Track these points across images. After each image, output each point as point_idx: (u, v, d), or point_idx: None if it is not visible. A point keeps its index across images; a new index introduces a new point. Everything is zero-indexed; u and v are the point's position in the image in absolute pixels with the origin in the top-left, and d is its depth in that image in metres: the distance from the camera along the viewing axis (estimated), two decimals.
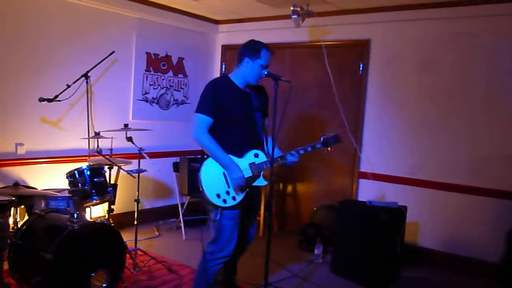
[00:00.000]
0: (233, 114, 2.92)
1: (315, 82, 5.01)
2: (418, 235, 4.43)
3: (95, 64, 4.24)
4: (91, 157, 4.18)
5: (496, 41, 4.02)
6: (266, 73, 2.92)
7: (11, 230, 3.21)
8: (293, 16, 4.15)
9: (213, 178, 2.86)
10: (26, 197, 3.49)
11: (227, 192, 2.87)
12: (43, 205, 3.54)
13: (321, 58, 4.34)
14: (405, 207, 3.98)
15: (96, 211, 4.46)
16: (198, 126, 2.86)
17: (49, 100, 3.86)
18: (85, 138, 4.14)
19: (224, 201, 2.85)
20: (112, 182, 4.01)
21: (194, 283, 3.12)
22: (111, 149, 4.09)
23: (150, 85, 5.12)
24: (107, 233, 3.13)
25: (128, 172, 3.75)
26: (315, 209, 4.82)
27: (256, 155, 2.97)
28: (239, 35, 5.37)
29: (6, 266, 3.00)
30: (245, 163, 2.93)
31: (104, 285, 3.03)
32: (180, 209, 4.94)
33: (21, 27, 3.96)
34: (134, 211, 3.82)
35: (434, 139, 4.33)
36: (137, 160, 3.80)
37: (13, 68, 3.95)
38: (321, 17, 4.47)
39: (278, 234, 5.12)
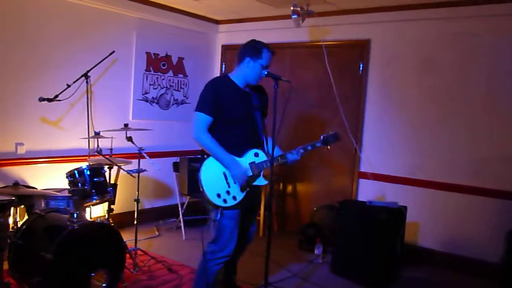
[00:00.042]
0: (233, 113, 2.92)
1: (315, 82, 5.01)
2: (418, 235, 4.43)
3: (95, 64, 4.24)
4: (91, 157, 4.17)
5: (496, 41, 4.01)
6: (266, 73, 2.92)
7: (11, 230, 3.21)
8: (293, 16, 4.15)
9: (213, 178, 2.86)
10: (26, 196, 3.48)
11: (228, 192, 2.87)
12: (43, 205, 3.54)
13: (321, 58, 4.34)
14: (405, 207, 3.98)
15: (96, 211, 4.46)
16: (197, 125, 2.86)
17: (49, 100, 3.86)
18: (85, 138, 4.13)
19: (225, 200, 2.85)
20: (112, 182, 4.01)
21: (194, 283, 3.12)
22: (111, 149, 4.09)
23: (150, 85, 5.12)
24: (107, 233, 3.13)
25: (128, 172, 3.75)
26: (315, 209, 4.82)
27: (256, 155, 2.97)
28: (239, 35, 5.37)
29: (6, 266, 3.00)
30: (245, 162, 2.93)
31: (104, 285, 3.03)
32: (180, 209, 4.94)
33: (21, 27, 3.96)
34: (134, 211, 3.82)
35: (434, 139, 4.33)
36: (137, 160, 3.80)
37: (13, 68, 3.95)
38: (321, 17, 4.47)
39: (278, 234, 5.12)
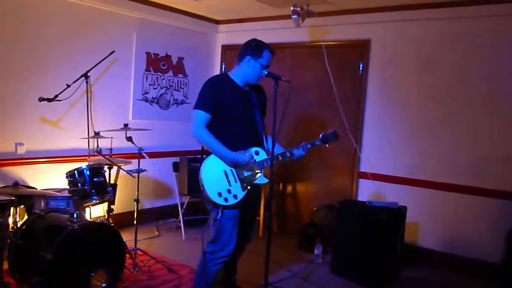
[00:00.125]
0: (233, 111, 2.92)
1: (315, 82, 5.01)
2: (418, 235, 4.43)
3: (95, 64, 4.24)
4: (91, 157, 4.17)
5: (497, 41, 4.01)
6: (266, 73, 2.92)
7: (10, 229, 3.21)
8: (293, 16, 4.15)
9: (214, 177, 2.86)
10: (26, 196, 3.49)
11: (229, 191, 2.87)
12: (42, 205, 3.54)
13: (321, 58, 4.34)
14: (405, 207, 3.97)
15: (96, 211, 4.46)
16: (196, 122, 2.86)
17: (49, 100, 3.86)
18: (85, 138, 4.13)
19: (226, 199, 2.85)
20: (112, 182, 4.01)
21: (193, 283, 3.12)
22: (111, 149, 4.09)
23: (150, 85, 5.12)
24: (107, 233, 3.13)
25: (128, 172, 3.75)
26: (315, 209, 4.82)
27: (257, 153, 2.97)
28: (239, 35, 5.37)
29: (6, 266, 3.00)
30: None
31: (104, 285, 3.03)
32: (180, 209, 4.93)
33: (21, 27, 3.96)
34: (134, 211, 3.82)
35: (434, 139, 4.33)
36: (137, 160, 3.80)
37: (13, 68, 3.95)
38: (321, 17, 4.47)
39: (278, 234, 5.12)
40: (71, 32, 4.31)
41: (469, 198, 4.14)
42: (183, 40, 5.44)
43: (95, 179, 3.58)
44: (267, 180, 2.96)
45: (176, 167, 5.07)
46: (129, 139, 3.75)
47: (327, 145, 3.09)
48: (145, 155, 3.72)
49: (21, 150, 4.03)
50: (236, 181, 2.90)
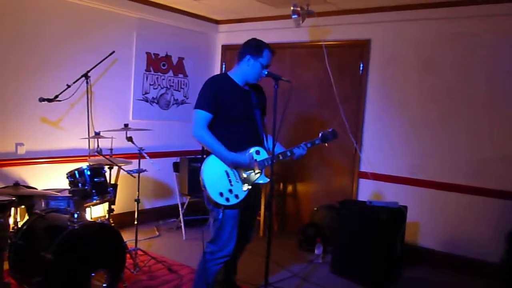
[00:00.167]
0: (233, 111, 2.92)
1: (315, 82, 5.01)
2: (418, 235, 4.43)
3: (95, 64, 4.24)
4: (91, 157, 4.18)
5: (496, 41, 4.02)
6: (266, 73, 2.92)
7: (11, 230, 3.21)
8: (293, 16, 4.15)
9: (215, 177, 2.86)
10: (26, 197, 3.48)
11: (230, 191, 2.87)
12: (43, 205, 3.54)
13: (321, 58, 4.34)
14: (405, 207, 3.98)
15: (96, 211, 4.46)
16: (197, 122, 2.86)
17: (49, 100, 3.86)
18: (85, 138, 4.13)
19: (227, 199, 2.85)
20: (112, 182, 4.02)
21: (194, 283, 3.12)
22: (111, 149, 4.09)
23: (150, 85, 5.13)
24: (107, 233, 3.13)
25: (128, 172, 3.75)
26: (315, 209, 4.82)
27: (258, 152, 2.97)
28: (239, 35, 5.36)
29: (6, 266, 3.00)
30: None
31: (104, 285, 3.03)
32: (180, 209, 4.94)
33: (21, 27, 3.96)
34: (134, 211, 3.82)
35: (434, 139, 4.33)
36: (137, 160, 3.80)
37: (13, 68, 3.95)
38: (321, 17, 4.47)
39: (278, 234, 5.12)
40: (71, 32, 4.31)
41: (470, 198, 4.15)
42: (183, 40, 5.44)
43: (95, 179, 3.58)
44: (268, 180, 2.96)
45: (176, 167, 5.07)
46: (130, 139, 3.75)
47: (326, 144, 3.10)
48: (145, 155, 3.72)
49: (21, 150, 4.03)
50: (237, 181, 2.90)
